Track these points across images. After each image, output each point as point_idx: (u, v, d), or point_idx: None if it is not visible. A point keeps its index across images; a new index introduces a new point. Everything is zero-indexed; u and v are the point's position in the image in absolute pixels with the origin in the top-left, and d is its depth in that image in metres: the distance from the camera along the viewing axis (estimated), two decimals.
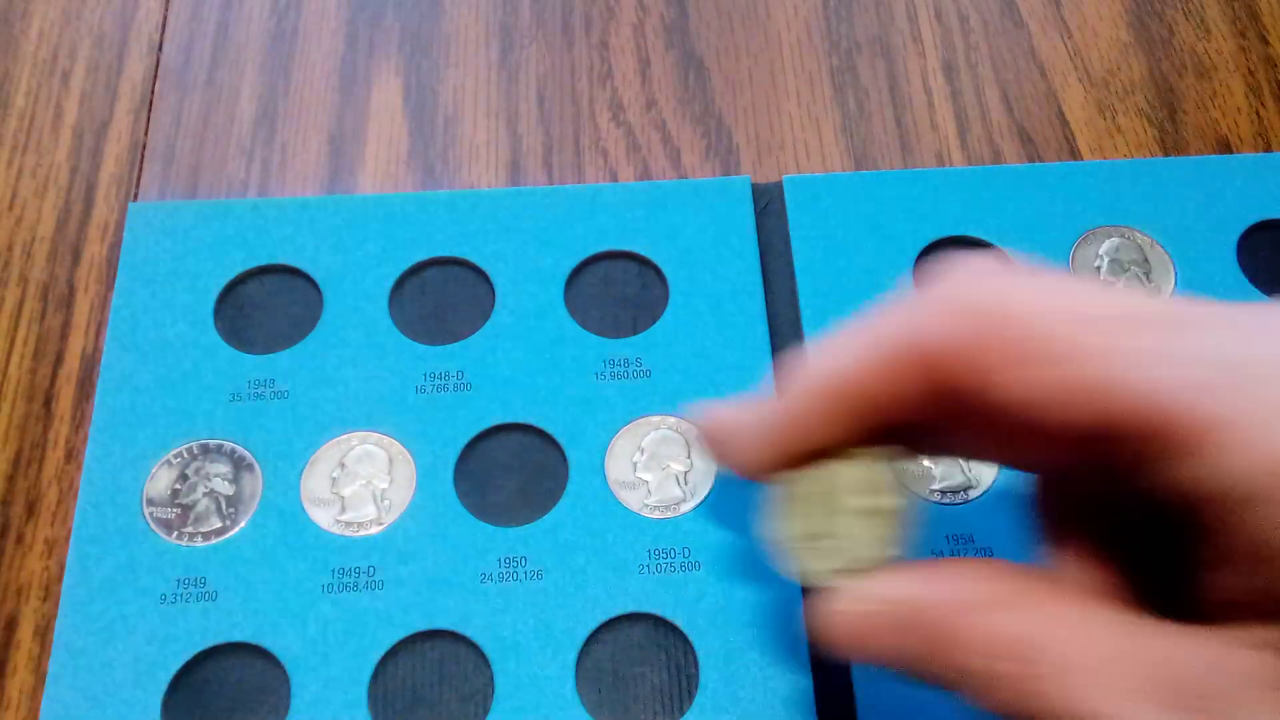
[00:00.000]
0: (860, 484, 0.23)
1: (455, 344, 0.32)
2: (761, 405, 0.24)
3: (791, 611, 0.29)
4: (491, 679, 0.28)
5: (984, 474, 0.31)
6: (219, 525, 0.30)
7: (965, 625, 0.20)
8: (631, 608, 0.29)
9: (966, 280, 0.20)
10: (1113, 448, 0.19)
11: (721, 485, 0.31)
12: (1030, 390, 0.19)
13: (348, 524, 0.30)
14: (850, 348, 0.21)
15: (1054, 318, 0.19)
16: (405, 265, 0.34)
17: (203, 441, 0.31)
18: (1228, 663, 0.18)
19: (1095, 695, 0.19)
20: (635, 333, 0.33)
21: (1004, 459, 0.23)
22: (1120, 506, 0.22)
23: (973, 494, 0.31)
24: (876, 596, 0.22)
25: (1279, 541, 0.17)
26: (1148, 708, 0.18)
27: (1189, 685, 0.18)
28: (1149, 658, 0.18)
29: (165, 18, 0.39)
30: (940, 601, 0.21)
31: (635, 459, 0.31)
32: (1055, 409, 0.19)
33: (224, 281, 0.33)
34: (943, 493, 0.31)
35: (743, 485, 0.31)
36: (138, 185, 0.36)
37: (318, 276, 0.33)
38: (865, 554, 0.23)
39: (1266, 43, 0.40)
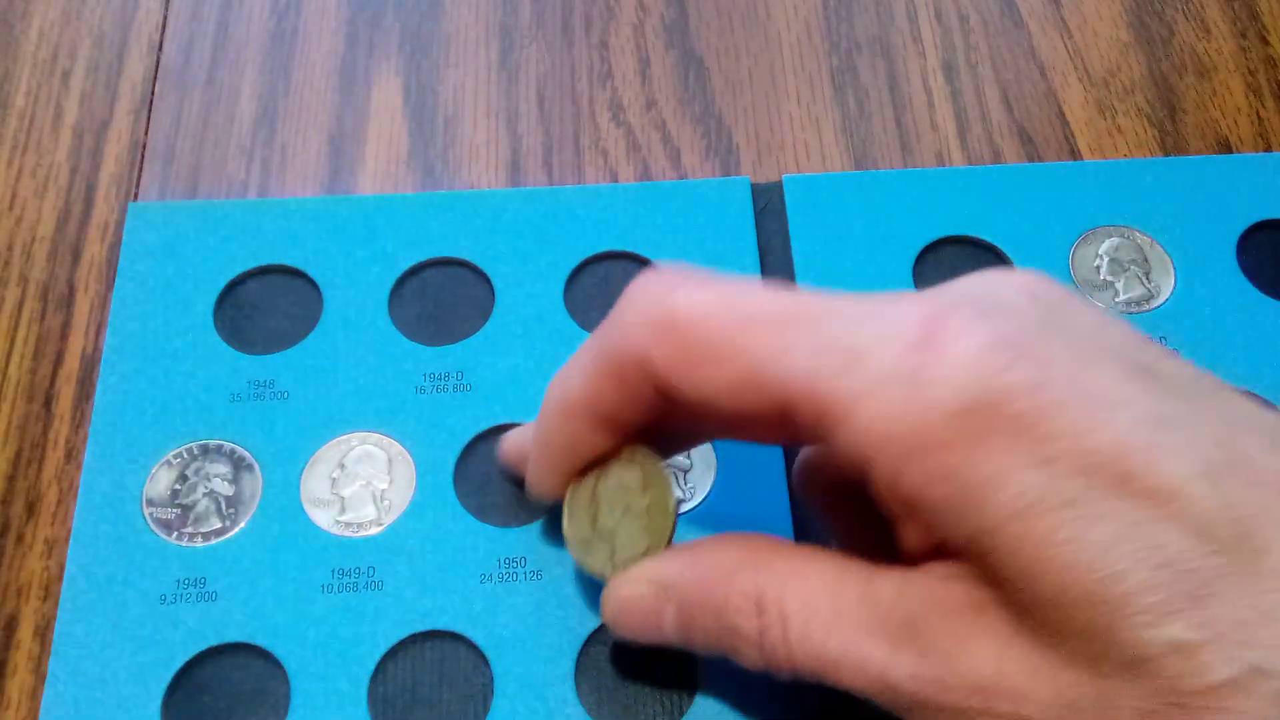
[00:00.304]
0: (622, 485, 0.26)
1: (455, 344, 0.32)
2: (530, 431, 0.27)
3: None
4: (491, 679, 0.28)
5: None
6: (219, 525, 0.30)
7: (711, 591, 0.24)
8: None
9: (652, 293, 0.23)
10: (790, 426, 0.22)
11: (721, 486, 0.31)
12: (707, 386, 0.22)
13: (347, 524, 0.30)
14: (578, 367, 0.25)
15: (716, 322, 0.22)
16: (405, 265, 0.34)
17: (202, 442, 0.31)
18: (928, 595, 0.21)
19: (822, 637, 0.22)
20: None
21: (733, 438, 0.26)
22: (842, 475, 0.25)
23: None
24: (639, 578, 0.25)
25: (915, 494, 0.20)
26: (871, 642, 0.22)
27: (901, 618, 0.21)
28: (870, 600, 0.22)
29: (165, 18, 0.39)
30: (692, 575, 0.24)
31: None
32: (728, 400, 0.22)
33: (224, 281, 0.33)
34: None
35: (742, 485, 0.31)
36: (138, 185, 0.36)
37: (318, 277, 0.33)
38: (629, 551, 0.25)
39: (1266, 43, 0.40)
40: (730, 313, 0.22)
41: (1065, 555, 0.19)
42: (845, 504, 0.26)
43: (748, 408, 0.22)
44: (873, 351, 0.20)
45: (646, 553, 0.25)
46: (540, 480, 0.27)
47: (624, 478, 0.26)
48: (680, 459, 0.31)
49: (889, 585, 0.22)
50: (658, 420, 0.25)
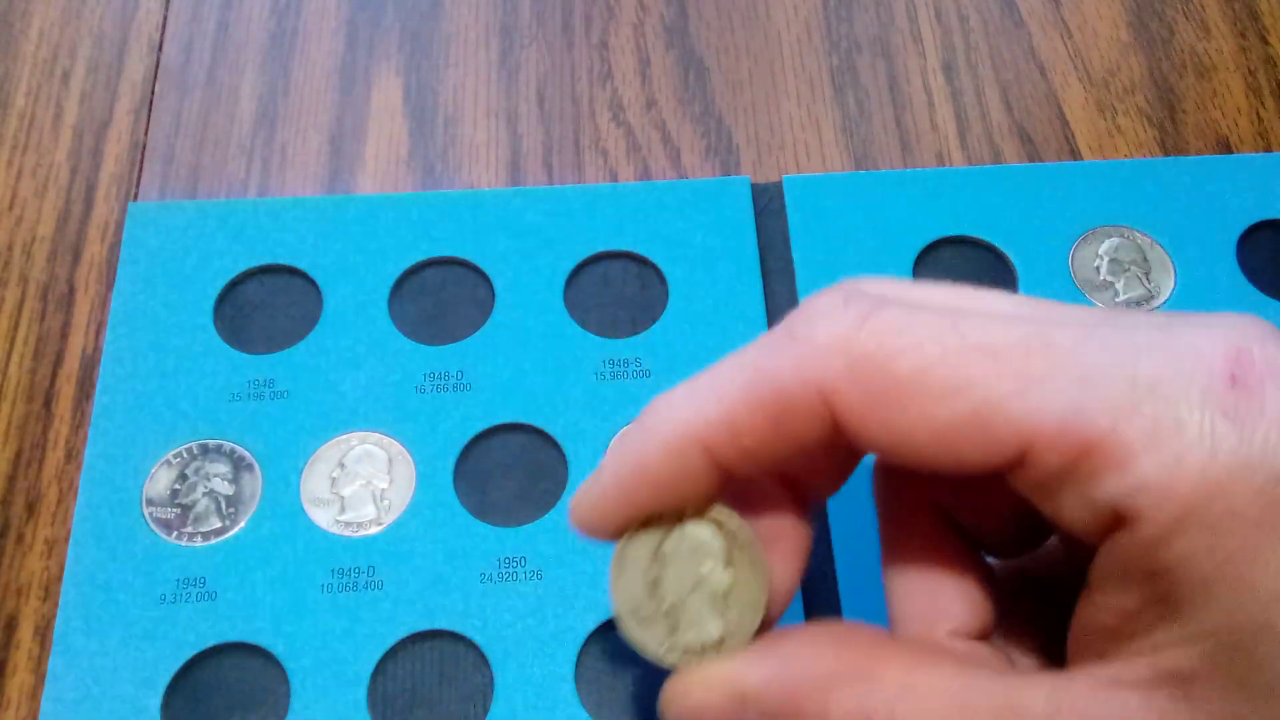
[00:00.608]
0: (699, 550, 0.20)
1: (455, 344, 0.32)
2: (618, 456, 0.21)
3: (792, 611, 0.29)
4: (491, 679, 0.28)
5: None
6: (219, 525, 0.30)
7: (802, 708, 0.19)
8: None
9: (842, 316, 0.18)
10: (1009, 478, 0.18)
11: None
12: (915, 429, 0.18)
13: (347, 524, 0.30)
14: (710, 388, 0.19)
15: (936, 351, 0.18)
16: (405, 265, 0.34)
17: (202, 441, 0.31)
18: (1102, 712, 0.17)
19: None
20: (635, 333, 0.33)
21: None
22: (983, 528, 0.21)
23: None
24: (713, 682, 0.20)
25: (1177, 565, 0.16)
26: None
27: None
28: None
29: (165, 18, 0.39)
30: (780, 687, 0.19)
31: None
32: (938, 446, 0.18)
33: (224, 281, 0.33)
34: None
35: None
36: (138, 185, 0.36)
37: (318, 276, 0.33)
38: (697, 638, 0.20)
39: (1266, 43, 0.40)
40: (953, 338, 0.18)
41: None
42: (936, 559, 0.22)
43: (962, 456, 0.18)
44: (1169, 386, 0.16)
45: (720, 646, 0.20)
46: (599, 507, 0.21)
47: (703, 541, 0.20)
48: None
49: (1038, 698, 0.18)
50: (787, 467, 0.20)
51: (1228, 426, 0.16)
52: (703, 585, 0.20)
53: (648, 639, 0.20)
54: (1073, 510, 0.17)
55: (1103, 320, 0.18)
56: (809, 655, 0.20)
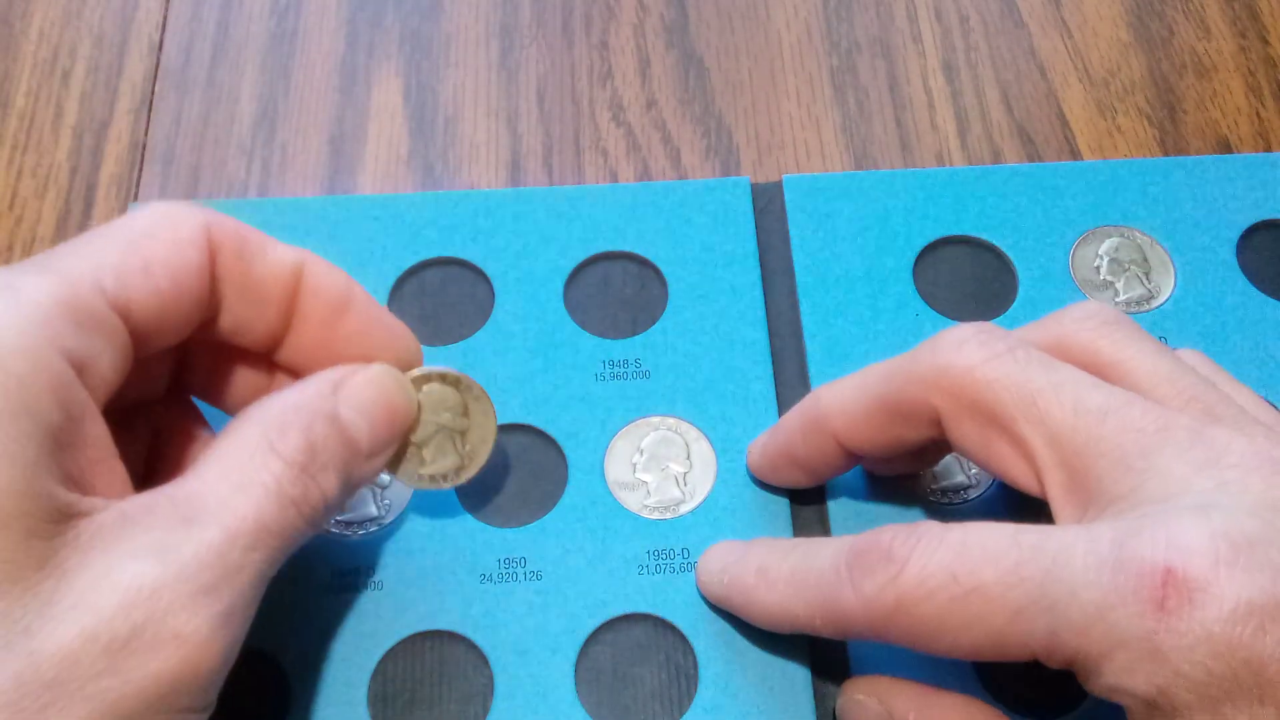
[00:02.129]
0: (441, 403, 0.27)
1: (455, 344, 0.32)
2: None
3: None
4: (491, 679, 0.28)
5: (983, 475, 0.31)
6: None
7: None
8: (631, 608, 0.29)
9: (869, 580, 0.23)
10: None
11: (721, 486, 0.31)
12: (961, 648, 0.23)
13: (348, 524, 0.30)
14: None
15: (945, 597, 0.22)
16: (405, 266, 0.34)
17: None
18: None
19: None
20: (635, 333, 0.33)
21: None
22: None
23: (972, 494, 0.31)
24: (873, 690, 0.26)
25: None
26: None
27: None
28: None
29: (165, 18, 0.39)
30: None
31: (634, 460, 0.31)
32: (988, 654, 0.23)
33: None
34: (942, 491, 0.31)
35: (742, 487, 0.31)
36: (138, 185, 0.36)
37: None
38: (438, 467, 0.27)
39: (1266, 43, 0.40)
40: (957, 584, 0.22)
41: None
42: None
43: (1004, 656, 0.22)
44: (1113, 611, 0.20)
45: (460, 473, 0.28)
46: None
47: (444, 396, 0.27)
48: (680, 460, 0.31)
49: None
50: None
51: (1156, 646, 0.20)
52: (443, 429, 0.27)
53: (401, 470, 0.27)
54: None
55: (1078, 539, 0.21)
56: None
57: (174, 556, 0.21)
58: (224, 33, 0.39)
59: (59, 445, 0.20)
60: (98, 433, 0.22)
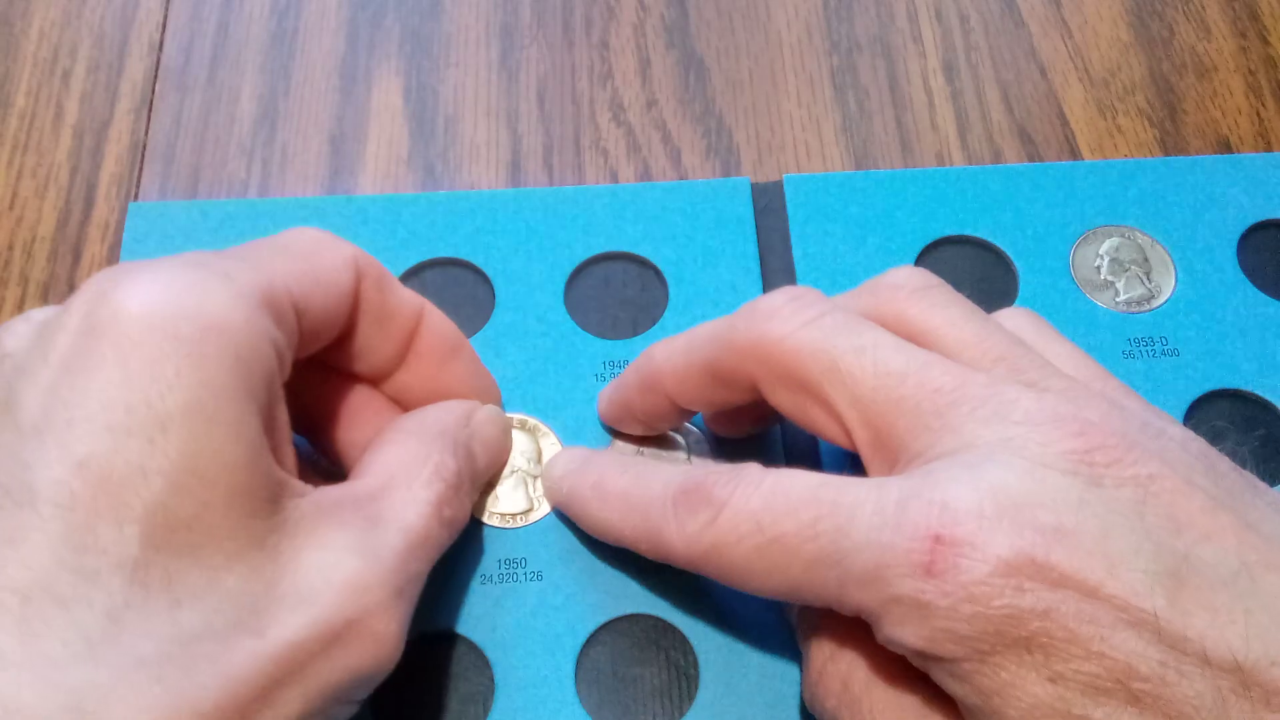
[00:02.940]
0: (522, 450, 0.30)
1: None
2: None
3: (792, 611, 0.29)
4: (492, 680, 0.28)
5: None
6: None
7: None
8: (631, 608, 0.29)
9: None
10: None
11: None
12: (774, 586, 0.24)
13: None
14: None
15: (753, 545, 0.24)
16: (405, 266, 0.34)
17: None
18: None
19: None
20: (635, 334, 0.33)
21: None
22: None
23: None
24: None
25: (944, 687, 0.22)
26: None
27: None
28: None
29: (165, 18, 0.39)
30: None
31: None
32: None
33: None
34: None
35: None
36: (138, 185, 0.36)
37: None
38: (507, 507, 0.30)
39: (1266, 43, 0.40)
40: (762, 533, 0.23)
41: None
42: None
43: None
44: (888, 570, 0.21)
45: (527, 515, 0.30)
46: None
47: (523, 442, 0.31)
48: (679, 461, 0.31)
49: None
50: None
51: (924, 606, 0.21)
52: (518, 471, 0.30)
53: (477, 504, 0.29)
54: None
55: (868, 496, 0.22)
56: None
57: (375, 557, 0.23)
58: (224, 33, 0.39)
59: (269, 427, 0.22)
60: (285, 419, 0.23)
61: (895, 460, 0.24)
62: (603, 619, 0.29)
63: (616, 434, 0.31)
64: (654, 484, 0.26)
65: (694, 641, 0.29)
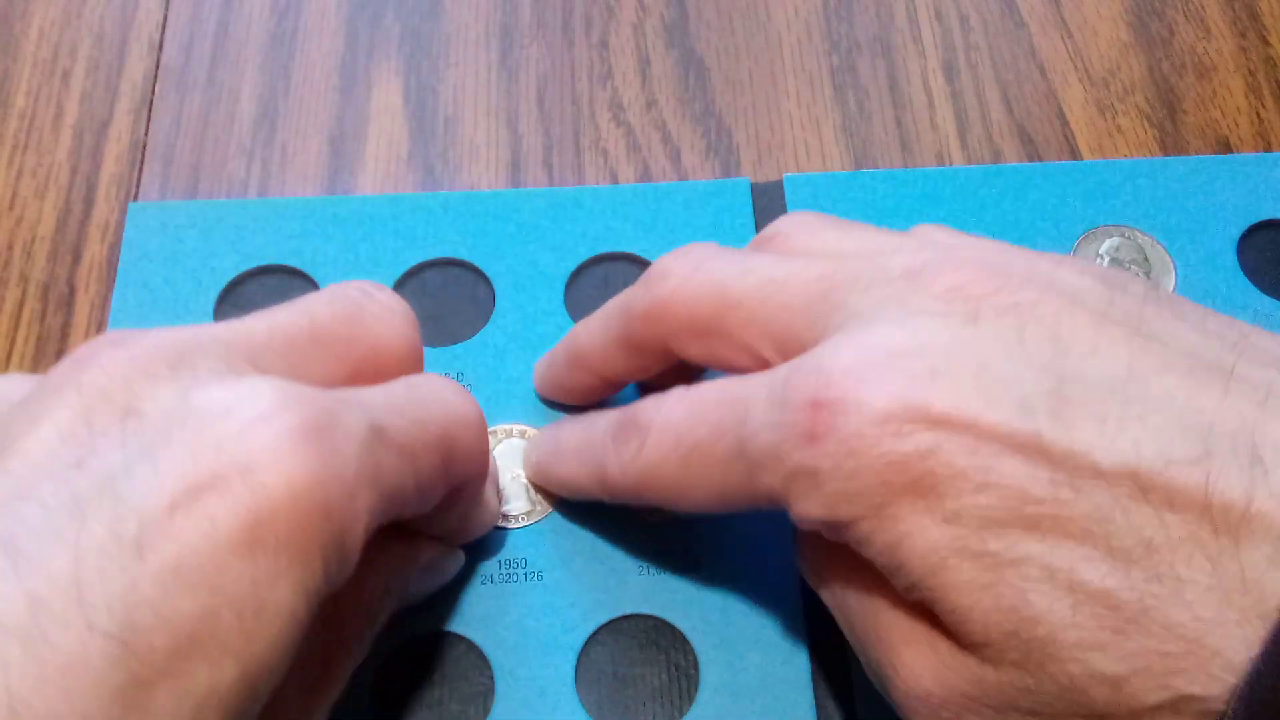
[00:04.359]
0: (517, 453, 0.31)
1: (455, 345, 0.32)
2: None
3: (792, 611, 0.29)
4: (492, 680, 0.28)
5: None
6: None
7: None
8: (631, 608, 0.29)
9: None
10: None
11: None
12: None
13: None
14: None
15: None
16: (405, 266, 0.34)
17: None
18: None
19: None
20: None
21: None
22: None
23: None
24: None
25: (861, 553, 0.22)
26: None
27: None
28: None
29: (165, 18, 0.39)
30: None
31: None
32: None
33: (224, 281, 0.33)
34: None
35: None
36: (138, 185, 0.36)
37: (318, 277, 0.33)
38: (512, 508, 0.30)
39: (1266, 43, 0.40)
40: (681, 444, 0.24)
41: (986, 602, 0.19)
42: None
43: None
44: (782, 446, 0.21)
45: (530, 515, 0.30)
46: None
47: (519, 448, 0.31)
48: None
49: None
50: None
51: (814, 474, 0.21)
52: (518, 478, 0.30)
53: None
54: None
55: (761, 384, 0.22)
56: None
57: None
58: (224, 33, 0.39)
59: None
60: None
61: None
62: (603, 619, 0.29)
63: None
64: (599, 425, 0.27)
65: (694, 641, 0.29)
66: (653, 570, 0.29)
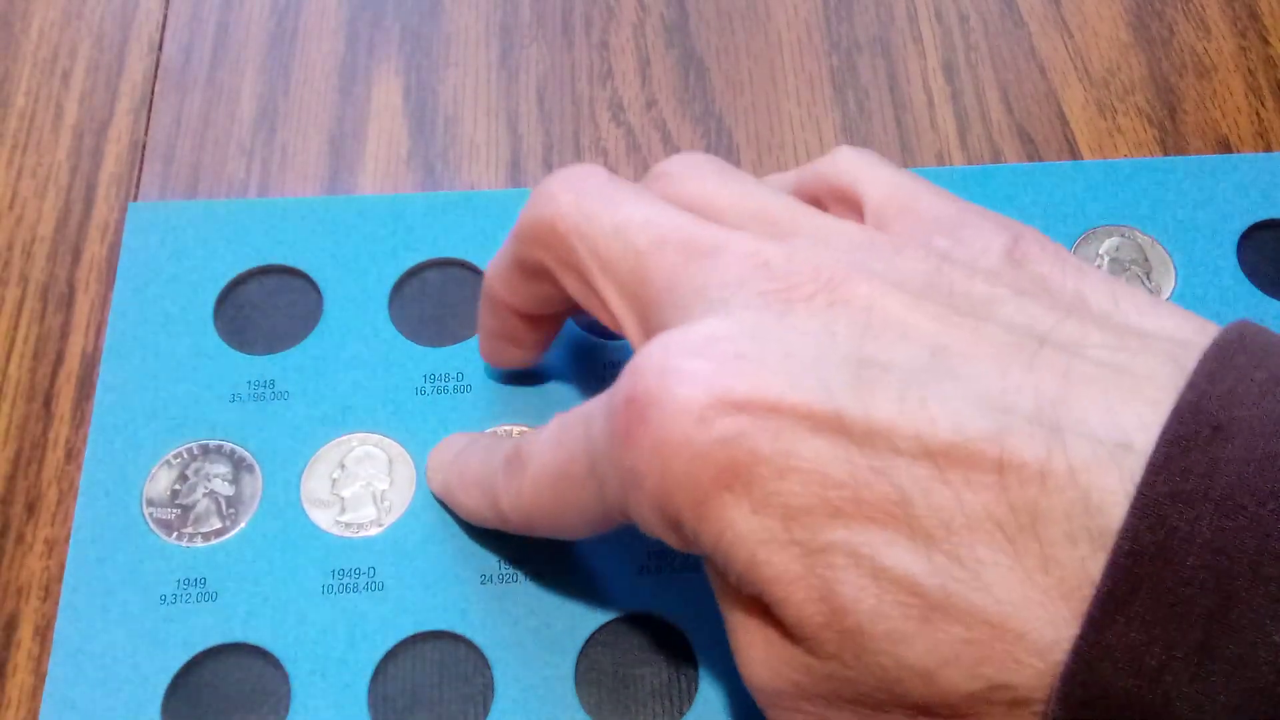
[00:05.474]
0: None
1: (455, 345, 0.32)
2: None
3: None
4: (491, 680, 0.28)
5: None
6: (219, 526, 0.30)
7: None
8: (631, 609, 0.29)
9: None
10: None
11: None
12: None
13: (347, 525, 0.30)
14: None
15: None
16: (405, 266, 0.34)
17: (202, 442, 0.31)
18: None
19: None
20: None
21: None
22: None
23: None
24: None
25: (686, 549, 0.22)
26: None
27: None
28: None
29: (165, 18, 0.39)
30: None
31: None
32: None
33: (224, 282, 0.33)
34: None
35: None
36: (138, 185, 0.36)
37: (318, 277, 0.33)
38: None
39: (1266, 43, 0.40)
40: (545, 474, 0.24)
41: (799, 593, 0.19)
42: None
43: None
44: (610, 454, 0.21)
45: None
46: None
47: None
48: None
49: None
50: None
51: (632, 475, 0.20)
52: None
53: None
54: None
55: (600, 396, 0.22)
56: None
57: None
58: (224, 33, 0.39)
59: None
60: None
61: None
62: (603, 619, 0.29)
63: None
64: (495, 457, 0.26)
65: (694, 641, 0.29)
66: (653, 570, 0.29)
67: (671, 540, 0.21)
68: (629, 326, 0.24)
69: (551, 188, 0.25)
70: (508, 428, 0.31)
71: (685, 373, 0.20)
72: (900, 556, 0.18)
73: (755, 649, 0.21)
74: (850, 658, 0.19)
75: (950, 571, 0.18)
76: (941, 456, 0.18)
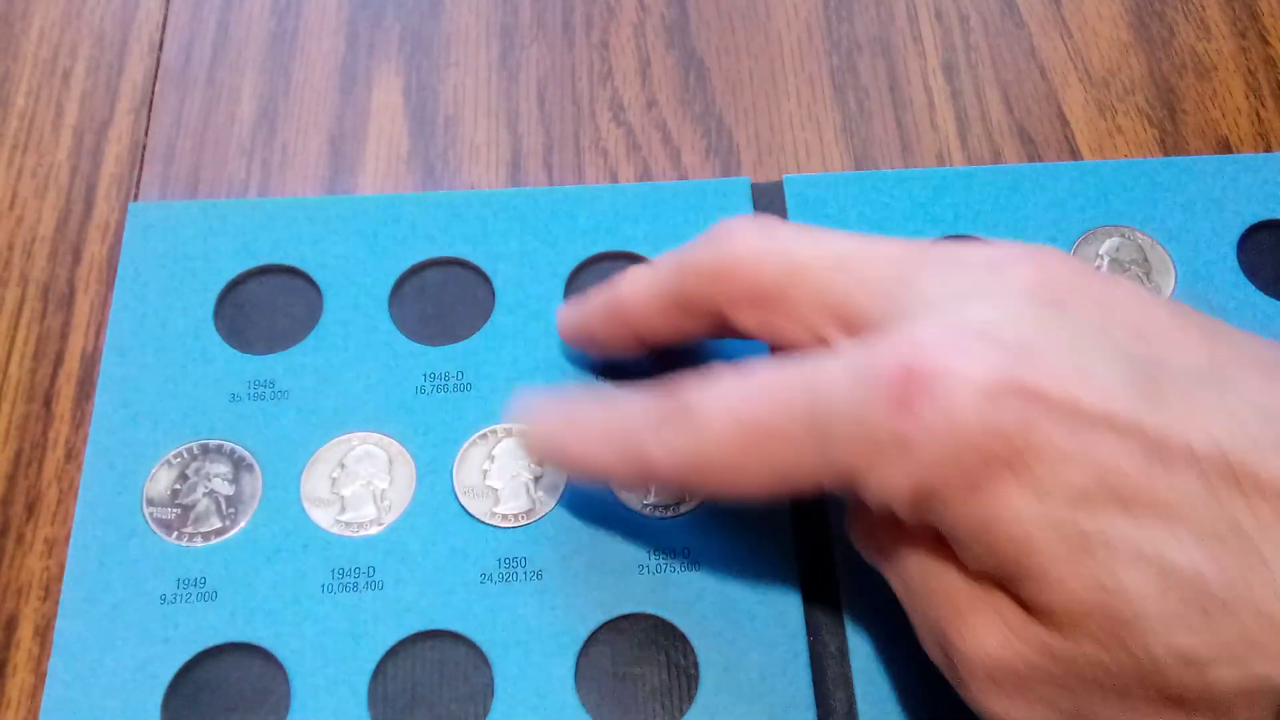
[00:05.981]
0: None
1: (455, 345, 0.32)
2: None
3: (792, 611, 0.29)
4: (491, 679, 0.28)
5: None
6: (219, 525, 0.30)
7: None
8: (631, 608, 0.29)
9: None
10: None
11: None
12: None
13: (347, 524, 0.30)
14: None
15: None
16: (405, 266, 0.34)
17: (202, 442, 0.31)
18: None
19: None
20: None
21: None
22: None
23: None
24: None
25: (943, 531, 0.22)
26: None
27: None
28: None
29: (165, 18, 0.39)
30: None
31: None
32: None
33: (224, 281, 0.33)
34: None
35: None
36: (138, 185, 0.36)
37: (318, 276, 0.33)
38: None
39: (1266, 43, 0.40)
40: (742, 425, 0.23)
41: (1072, 575, 0.20)
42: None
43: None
44: (867, 419, 0.21)
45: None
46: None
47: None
48: None
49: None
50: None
51: (903, 444, 0.20)
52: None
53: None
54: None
55: (833, 360, 0.22)
56: None
57: None
58: (224, 33, 0.39)
59: None
60: None
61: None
62: (603, 619, 0.29)
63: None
64: (630, 405, 0.26)
65: (694, 641, 0.29)
66: (653, 570, 0.29)
67: (902, 510, 0.21)
68: (834, 334, 0.24)
69: (731, 225, 0.26)
70: (508, 427, 0.31)
71: (974, 353, 0.20)
72: (1187, 552, 0.19)
73: (986, 623, 0.21)
74: (1111, 642, 0.19)
75: (1237, 570, 0.19)
76: (1235, 463, 0.19)
